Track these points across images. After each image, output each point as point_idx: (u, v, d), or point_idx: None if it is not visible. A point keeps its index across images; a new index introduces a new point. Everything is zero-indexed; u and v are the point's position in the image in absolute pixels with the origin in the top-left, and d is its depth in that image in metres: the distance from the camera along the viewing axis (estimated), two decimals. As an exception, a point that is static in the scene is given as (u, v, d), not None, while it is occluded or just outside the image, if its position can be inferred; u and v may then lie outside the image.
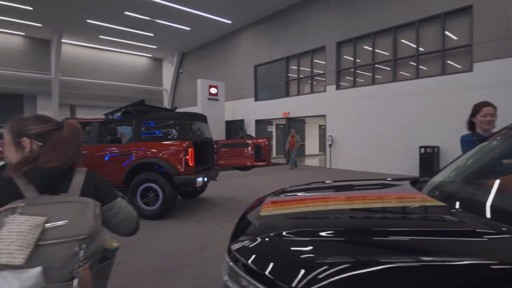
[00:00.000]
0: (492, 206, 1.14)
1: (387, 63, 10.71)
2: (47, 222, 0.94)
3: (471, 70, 8.66)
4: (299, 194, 1.82)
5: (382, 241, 1.01)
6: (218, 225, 4.71)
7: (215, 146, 6.27)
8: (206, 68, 19.46)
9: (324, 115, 12.62)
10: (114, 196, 1.21)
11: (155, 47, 20.24)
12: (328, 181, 2.17)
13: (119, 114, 5.47)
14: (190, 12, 14.39)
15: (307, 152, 17.56)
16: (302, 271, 0.86)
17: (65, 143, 1.11)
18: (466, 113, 2.68)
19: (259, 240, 1.14)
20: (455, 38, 9.22)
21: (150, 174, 5.06)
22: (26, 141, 1.08)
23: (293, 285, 0.84)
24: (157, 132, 5.29)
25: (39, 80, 18.12)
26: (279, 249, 1.05)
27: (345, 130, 11.79)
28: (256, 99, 15.90)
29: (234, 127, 16.68)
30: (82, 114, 19.88)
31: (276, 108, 14.62)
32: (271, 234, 1.14)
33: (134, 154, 5.15)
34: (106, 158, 5.17)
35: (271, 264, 0.96)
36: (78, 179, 1.12)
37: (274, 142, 16.52)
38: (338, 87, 12.13)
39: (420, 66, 9.86)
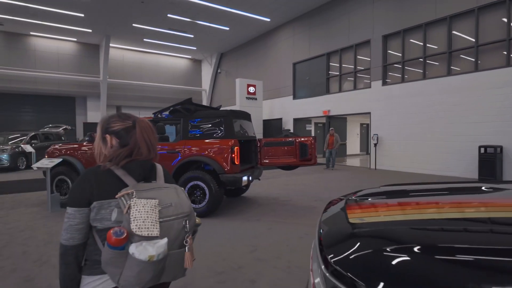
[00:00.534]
0: None
1: (440, 56, 9.90)
2: (159, 203, 1.12)
3: (543, 60, 7.70)
4: (386, 197, 1.59)
5: None
6: (265, 225, 4.56)
7: (259, 144, 6.15)
8: (244, 67, 19.51)
9: (369, 113, 12.01)
10: None
11: (195, 48, 20.69)
12: (408, 184, 1.91)
13: (167, 112, 5.52)
14: (230, 12, 14.46)
15: (347, 152, 16.90)
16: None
17: (139, 139, 1.23)
18: None
19: (376, 254, 0.93)
20: (522, 25, 8.27)
21: (197, 172, 5.05)
22: (108, 137, 1.25)
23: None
24: (204, 130, 5.27)
25: (89, 82, 19.32)
26: (414, 268, 0.83)
27: (392, 129, 11.11)
28: (294, 97, 15.61)
29: (271, 126, 16.53)
30: (127, 114, 20.87)
31: (315, 106, 14.22)
32: (392, 248, 0.92)
33: (181, 152, 5.18)
34: (155, 156, 5.24)
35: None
36: (159, 170, 1.32)
37: (313, 141, 16.09)
38: (385, 82, 11.47)
39: (479, 58, 8.97)
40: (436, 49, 10.03)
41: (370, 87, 11.93)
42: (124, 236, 1.02)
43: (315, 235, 1.31)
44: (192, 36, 18.01)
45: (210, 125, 5.27)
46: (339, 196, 1.90)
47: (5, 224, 4.72)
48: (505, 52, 8.43)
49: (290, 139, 5.99)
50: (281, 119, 16.21)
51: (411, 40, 10.72)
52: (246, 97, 15.65)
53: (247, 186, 6.54)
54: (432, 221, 1.13)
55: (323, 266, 1.00)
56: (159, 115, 5.61)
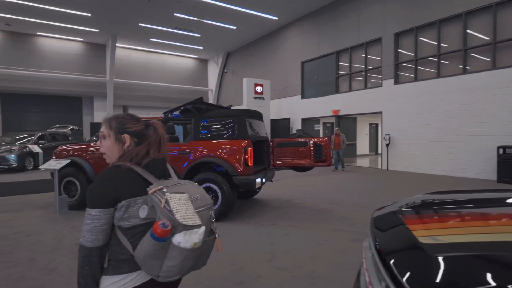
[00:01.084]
0: None
1: (455, 54, 9.60)
2: (189, 197, 1.18)
3: None
4: (444, 209, 1.37)
5: None
6: (282, 230, 4.35)
7: (271, 145, 5.95)
8: (251, 67, 19.31)
9: (380, 112, 11.74)
10: None
11: (201, 48, 20.54)
12: (453, 192, 1.69)
13: (177, 112, 5.34)
14: (237, 10, 14.27)
15: (357, 152, 16.61)
16: None
17: (156, 139, 1.29)
18: None
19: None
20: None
21: (209, 174, 4.86)
22: (127, 137, 1.27)
23: None
24: (216, 131, 5.08)
25: (96, 82, 19.27)
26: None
27: (405, 128, 10.83)
28: (302, 97, 15.37)
29: (279, 126, 16.30)
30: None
31: (324, 106, 13.97)
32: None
33: (192, 153, 4.99)
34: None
35: None
36: (170, 168, 1.38)
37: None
38: (397, 81, 11.19)
39: (496, 56, 8.67)
40: (450, 47, 9.73)
41: (381, 86, 11.65)
42: (170, 227, 1.06)
43: (366, 245, 1.24)
44: (198, 35, 17.86)
45: (222, 125, 5.07)
46: (383, 206, 1.69)
47: (12, 228, 4.57)
48: (525, 49, 8.12)
49: (304, 139, 5.78)
50: (289, 119, 15.98)
51: (422, 39, 10.42)
52: (254, 97, 15.44)
53: (259, 188, 6.34)
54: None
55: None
56: (169, 115, 5.43)
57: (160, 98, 21.95)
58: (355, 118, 14.21)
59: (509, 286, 0.72)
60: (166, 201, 1.09)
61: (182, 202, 1.12)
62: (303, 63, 15.29)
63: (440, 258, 0.87)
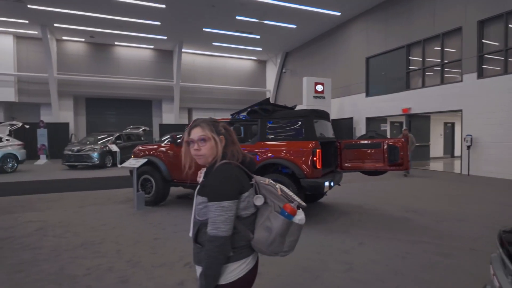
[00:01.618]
0: None
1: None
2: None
3: None
4: None
5: None
6: (356, 239, 4.07)
7: (338, 146, 5.65)
8: (310, 65, 18.89)
9: (459, 110, 10.49)
10: None
11: (261, 49, 20.74)
12: None
13: (244, 114, 5.37)
14: (298, 9, 14.05)
15: (430, 154, 15.12)
16: None
17: (233, 139, 1.42)
18: None
19: None
20: None
21: (275, 175, 4.78)
22: (223, 138, 1.38)
23: None
24: (283, 132, 4.98)
25: (164, 86, 20.71)
26: None
27: (490, 129, 9.52)
28: (367, 95, 14.51)
29: (341, 126, 15.63)
30: (198, 117, 21.88)
31: (392, 104, 12.99)
32: None
33: (259, 154, 4.96)
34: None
35: None
36: None
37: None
38: (481, 75, 9.88)
39: None
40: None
41: (461, 81, 10.40)
42: (296, 208, 1.32)
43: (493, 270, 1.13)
44: (258, 36, 18.04)
45: (289, 126, 4.95)
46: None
47: (99, 220, 5.05)
48: None
49: (377, 141, 5.36)
50: (351, 118, 15.24)
51: (518, 23, 9.03)
52: (314, 96, 15.04)
53: (326, 192, 6.07)
54: None
55: None
56: (236, 117, 5.49)
57: (221, 100, 22.74)
58: (428, 117, 12.93)
59: None
60: (281, 189, 1.36)
61: (287, 189, 1.38)
62: (368, 59, 14.44)
63: None
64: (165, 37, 18.32)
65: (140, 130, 16.45)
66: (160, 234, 4.30)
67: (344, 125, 15.57)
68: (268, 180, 1.39)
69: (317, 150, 4.59)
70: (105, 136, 13.94)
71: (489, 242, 3.89)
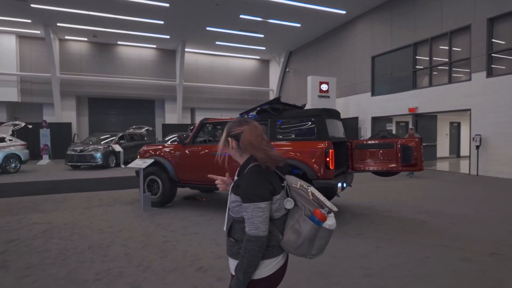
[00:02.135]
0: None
1: None
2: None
3: None
4: None
5: None
6: (372, 242, 3.94)
7: (350, 146, 5.51)
8: (314, 65, 18.75)
9: (468, 110, 10.34)
10: None
11: (264, 48, 20.61)
12: None
13: (254, 113, 5.25)
14: (302, 7, 13.92)
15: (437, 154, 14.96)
16: None
17: (246, 141, 1.36)
18: None
19: None
20: None
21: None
22: (230, 140, 1.41)
23: None
24: (294, 131, 4.86)
25: (167, 86, 20.60)
26: None
27: (500, 128, 9.36)
28: (373, 94, 14.36)
29: (346, 126, 15.41)
30: (201, 116, 21.76)
31: (398, 103, 12.84)
32: None
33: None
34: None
35: None
36: None
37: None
38: (490, 74, 9.73)
39: None
40: None
41: (470, 79, 10.25)
42: (326, 214, 1.30)
43: None
44: (262, 35, 17.91)
45: (300, 126, 4.83)
46: None
47: (106, 221, 4.93)
48: None
49: (389, 141, 5.23)
50: (357, 118, 15.09)
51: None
52: (318, 95, 14.90)
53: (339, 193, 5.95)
54: None
55: None
56: (245, 116, 5.36)
57: (224, 100, 22.62)
58: (435, 116, 12.76)
59: None
60: (312, 193, 1.33)
61: (319, 193, 1.35)
62: (373, 58, 14.29)
63: None
64: (168, 37, 18.21)
65: (143, 130, 16.35)
66: (169, 237, 4.18)
67: (349, 125, 15.40)
68: (299, 183, 1.37)
69: (330, 150, 4.46)
70: (108, 136, 13.85)
71: (510, 246, 3.76)
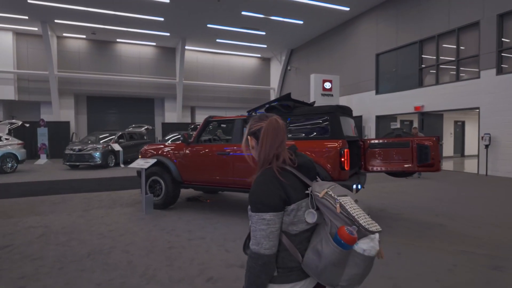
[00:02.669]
0: None
1: None
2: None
3: None
4: None
5: None
6: (391, 248, 3.68)
7: (362, 146, 5.25)
8: (316, 63, 18.49)
9: (477, 108, 10.11)
10: None
11: (265, 46, 20.32)
12: None
13: (262, 110, 4.99)
14: (305, 4, 13.65)
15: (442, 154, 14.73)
16: None
17: (263, 139, 1.17)
18: None
19: None
20: None
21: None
22: (249, 138, 1.25)
23: None
24: (305, 130, 4.60)
25: (166, 84, 20.29)
26: None
27: (511, 127, 9.13)
28: (377, 92, 14.11)
29: (349, 125, 15.21)
30: (201, 115, 21.48)
31: (404, 101, 12.59)
32: None
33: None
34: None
35: None
36: None
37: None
38: (500, 71, 9.49)
39: None
40: None
41: (478, 77, 10.01)
42: (356, 235, 1.01)
43: None
44: (263, 33, 17.63)
45: (313, 124, 4.56)
46: None
47: (107, 225, 4.66)
48: None
49: (405, 140, 4.97)
50: (361, 116, 14.84)
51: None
52: (321, 94, 14.63)
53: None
54: None
55: None
56: (253, 113, 5.09)
57: (224, 99, 22.33)
58: (441, 115, 12.52)
59: None
60: (341, 206, 1.06)
61: (354, 206, 1.09)
62: (378, 55, 14.04)
63: None
64: (168, 34, 17.90)
65: (143, 129, 16.06)
66: (174, 242, 3.91)
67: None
68: (324, 191, 1.10)
69: (345, 150, 4.20)
70: (107, 135, 13.55)
71: (541, 252, 3.51)
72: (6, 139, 11.37)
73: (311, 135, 4.54)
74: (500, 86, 9.37)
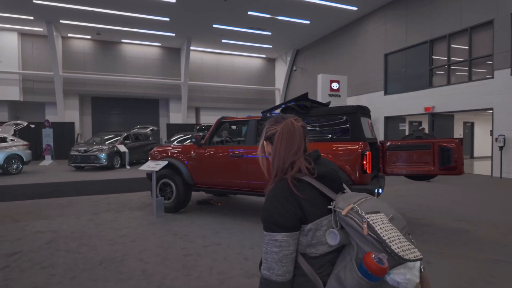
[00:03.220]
0: None
1: None
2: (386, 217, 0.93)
3: None
4: None
5: None
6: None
7: (381, 148, 5.06)
8: (322, 63, 18.29)
9: (490, 109, 9.88)
10: None
11: (271, 46, 20.14)
12: None
13: (277, 111, 4.81)
14: (313, 3, 13.47)
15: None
16: None
17: (276, 145, 1.05)
18: None
19: None
20: None
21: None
22: (265, 144, 1.11)
23: None
24: (324, 131, 4.42)
25: (171, 85, 20.15)
26: None
27: (527, 128, 8.91)
28: (386, 93, 13.90)
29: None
30: (205, 116, 21.35)
31: (413, 102, 12.36)
32: None
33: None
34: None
35: None
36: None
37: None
38: (515, 71, 9.27)
39: None
40: None
41: (492, 77, 9.79)
42: (387, 265, 0.81)
43: None
44: (269, 33, 17.45)
45: (332, 125, 4.38)
46: None
47: (117, 230, 4.49)
48: None
49: (425, 141, 4.78)
50: (368, 117, 14.60)
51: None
52: (329, 94, 14.41)
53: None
54: None
55: None
56: (268, 114, 4.92)
57: (229, 99, 22.17)
58: (452, 116, 12.30)
59: None
60: (369, 226, 0.86)
61: (387, 226, 0.88)
62: (386, 55, 13.83)
63: None
64: (173, 34, 17.77)
65: (148, 130, 15.93)
66: (189, 249, 3.74)
67: (360, 125, 14.95)
68: (349, 206, 0.90)
69: (367, 152, 4.02)
70: (112, 136, 13.42)
71: None
72: (12, 140, 11.27)
73: (330, 137, 4.36)
74: (515, 86, 9.15)
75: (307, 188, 0.98)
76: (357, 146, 4.09)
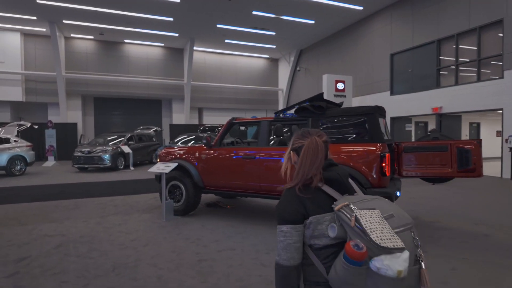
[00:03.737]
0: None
1: None
2: (382, 214, 1.04)
3: None
4: None
5: None
6: (443, 263, 3.35)
7: (396, 149, 4.93)
8: (326, 63, 18.16)
9: (500, 109, 9.75)
10: None
11: (274, 46, 20.02)
12: None
13: (292, 112, 4.69)
14: (318, 3, 13.34)
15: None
16: None
17: (302, 159, 1.19)
18: None
19: None
20: None
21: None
22: (292, 153, 1.27)
23: None
24: (340, 133, 4.29)
25: (174, 85, 20.04)
26: None
27: (538, 129, 8.78)
28: (392, 93, 13.77)
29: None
30: (208, 117, 21.23)
31: (420, 102, 12.23)
32: None
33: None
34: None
35: None
36: (353, 182, 1.28)
37: (413, 143, 14.00)
38: (526, 71, 9.14)
39: None
40: None
41: (502, 77, 9.66)
42: (365, 250, 0.93)
43: None
44: (273, 33, 17.33)
45: (349, 126, 4.26)
46: None
47: (127, 234, 4.38)
48: None
49: (443, 143, 4.65)
50: (374, 118, 14.47)
51: None
52: (334, 95, 14.29)
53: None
54: None
55: None
56: (281, 115, 4.80)
57: (232, 100, 22.04)
58: (459, 116, 12.15)
59: None
60: (356, 219, 1.00)
61: (375, 219, 1.01)
62: (392, 55, 13.69)
63: None
64: (177, 34, 17.65)
65: (152, 130, 15.82)
66: (203, 254, 3.62)
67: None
68: (342, 204, 1.06)
69: (387, 155, 3.89)
70: (116, 137, 13.30)
71: None
72: (15, 141, 11.16)
73: (347, 138, 4.24)
74: (526, 86, 9.02)
75: (313, 190, 1.15)
76: (375, 148, 3.97)
